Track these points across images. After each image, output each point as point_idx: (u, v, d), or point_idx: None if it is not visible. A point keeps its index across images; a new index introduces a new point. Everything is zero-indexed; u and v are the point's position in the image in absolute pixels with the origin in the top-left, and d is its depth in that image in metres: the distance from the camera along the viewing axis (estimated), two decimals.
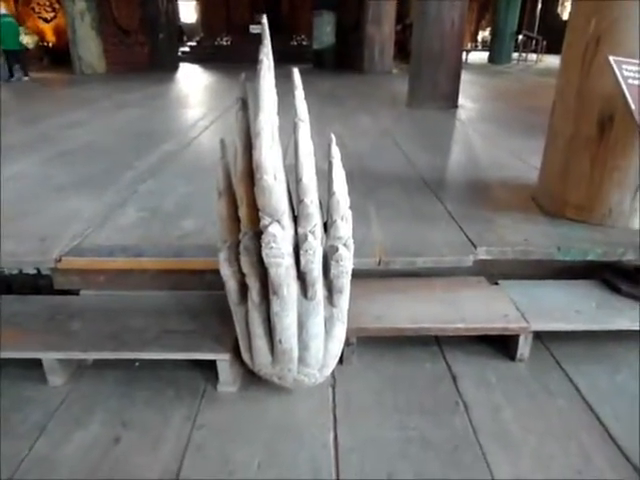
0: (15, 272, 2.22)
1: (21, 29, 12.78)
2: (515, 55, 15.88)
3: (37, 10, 14.19)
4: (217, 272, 1.53)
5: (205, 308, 1.94)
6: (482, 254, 2.12)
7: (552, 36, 16.22)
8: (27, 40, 13.10)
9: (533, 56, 15.90)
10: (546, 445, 1.50)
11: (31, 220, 2.46)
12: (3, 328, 1.83)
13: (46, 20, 14.33)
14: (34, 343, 1.76)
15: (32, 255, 2.08)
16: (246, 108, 1.36)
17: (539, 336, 1.93)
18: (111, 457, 1.46)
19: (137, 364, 1.83)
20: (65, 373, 1.78)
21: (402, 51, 13.54)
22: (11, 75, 9.88)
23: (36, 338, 1.78)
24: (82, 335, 1.79)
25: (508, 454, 1.47)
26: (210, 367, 1.73)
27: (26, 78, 10.06)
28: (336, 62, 12.99)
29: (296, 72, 1.30)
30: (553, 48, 16.05)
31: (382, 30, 11.30)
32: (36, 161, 3.67)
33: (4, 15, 9.84)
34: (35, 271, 2.19)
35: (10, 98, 7.99)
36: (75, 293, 2.12)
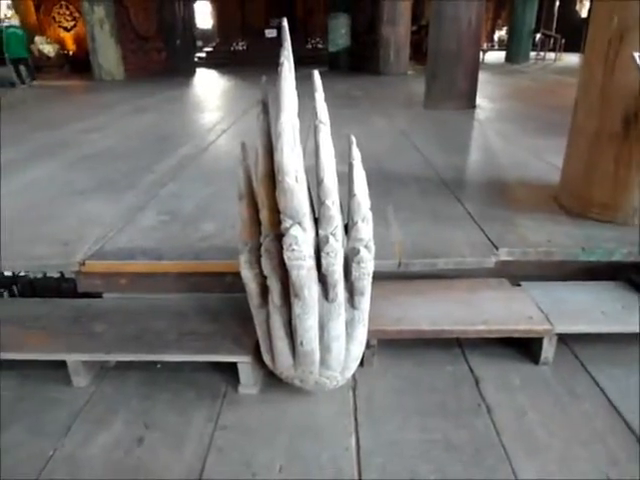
0: (39, 276, 2.27)
1: (42, 38, 13.10)
2: (533, 54, 15.68)
3: (58, 19, 14.46)
4: (237, 274, 1.53)
5: (225, 310, 1.95)
6: (504, 255, 2.09)
7: (570, 34, 16.01)
8: (48, 49, 13.39)
9: (551, 54, 15.68)
10: (572, 448, 1.48)
11: (54, 224, 2.50)
12: (29, 331, 1.86)
13: (66, 29, 14.59)
14: (59, 345, 1.79)
15: (56, 259, 2.11)
16: (267, 111, 1.36)
17: (563, 338, 1.90)
18: (134, 457, 1.48)
19: (159, 366, 1.85)
20: (89, 374, 1.80)
21: (417, 52, 13.47)
22: (22, 82, 10.17)
23: (61, 340, 1.81)
24: (105, 337, 1.81)
25: (533, 457, 1.45)
26: (230, 369, 1.74)
27: (34, 82, 10.34)
28: (351, 64, 12.97)
29: (316, 75, 1.30)
30: (572, 46, 15.84)
31: (397, 31, 11.25)
32: (58, 166, 3.74)
33: (11, 26, 10.21)
34: (59, 274, 2.23)
35: (31, 104, 8.15)
36: (98, 296, 2.15)
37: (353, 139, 1.35)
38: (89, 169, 3.63)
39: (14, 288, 2.30)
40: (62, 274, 2.22)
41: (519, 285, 2.09)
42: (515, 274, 2.14)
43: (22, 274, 2.27)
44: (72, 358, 1.75)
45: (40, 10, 14.34)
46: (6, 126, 5.60)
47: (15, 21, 10.35)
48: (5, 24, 10.30)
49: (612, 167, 2.25)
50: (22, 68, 10.27)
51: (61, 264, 2.12)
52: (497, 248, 2.11)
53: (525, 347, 1.90)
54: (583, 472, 1.39)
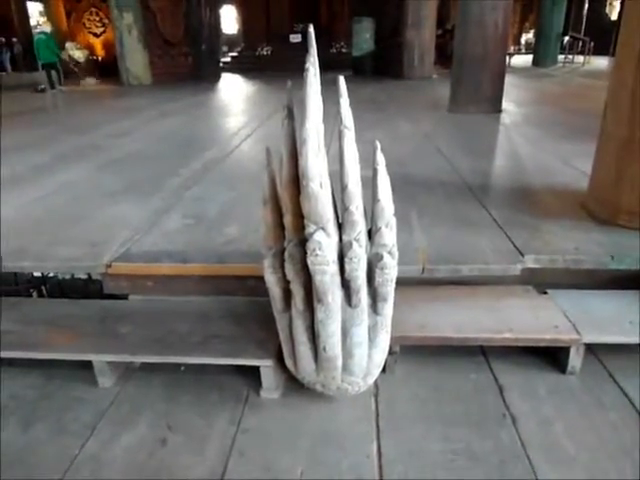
0: (67, 277, 2.32)
1: (73, 44, 13.43)
2: (561, 57, 15.44)
3: (87, 25, 14.83)
4: (260, 278, 1.54)
5: (248, 314, 1.96)
6: (530, 262, 2.06)
7: (600, 37, 15.72)
8: (78, 54, 13.71)
9: (580, 58, 15.41)
10: (599, 461, 1.44)
11: (82, 226, 2.55)
12: (56, 330, 1.90)
13: (96, 35, 14.95)
14: (85, 345, 1.82)
15: (84, 260, 2.16)
16: (292, 116, 1.37)
17: (591, 348, 1.85)
18: (157, 458, 1.50)
19: (183, 368, 1.87)
20: (114, 375, 1.83)
21: (442, 56, 13.39)
22: (52, 86, 10.45)
23: (87, 340, 1.85)
24: (131, 338, 1.84)
25: (559, 469, 1.41)
26: (253, 373, 1.75)
27: (62, 88, 10.61)
28: (376, 68, 12.96)
29: (341, 80, 1.30)
30: (601, 49, 15.54)
31: (422, 35, 11.19)
32: (86, 169, 3.82)
33: (42, 32, 10.52)
34: (86, 276, 2.28)
35: (62, 108, 8.37)
36: (124, 297, 2.19)
37: (378, 144, 1.35)
38: (117, 172, 3.71)
39: (43, 289, 2.35)
40: (89, 275, 2.27)
41: (545, 293, 2.05)
42: (542, 282, 2.10)
43: (51, 275, 2.32)
44: (98, 358, 1.78)
45: (71, 17, 14.74)
46: (39, 129, 5.76)
47: (47, 28, 10.71)
48: (37, 30, 10.67)
49: None
50: (53, 73, 10.57)
51: (88, 266, 2.16)
52: (523, 255, 2.07)
53: (551, 356, 1.86)
54: None
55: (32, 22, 17.24)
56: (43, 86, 10.55)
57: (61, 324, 1.96)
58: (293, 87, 1.38)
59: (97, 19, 14.82)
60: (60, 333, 1.91)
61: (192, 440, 1.56)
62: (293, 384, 1.74)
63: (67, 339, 1.87)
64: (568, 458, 1.45)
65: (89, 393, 1.79)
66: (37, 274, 2.32)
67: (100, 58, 14.89)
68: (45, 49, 10.47)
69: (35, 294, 2.36)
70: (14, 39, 16.09)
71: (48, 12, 15.22)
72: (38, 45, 10.48)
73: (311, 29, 1.26)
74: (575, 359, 1.78)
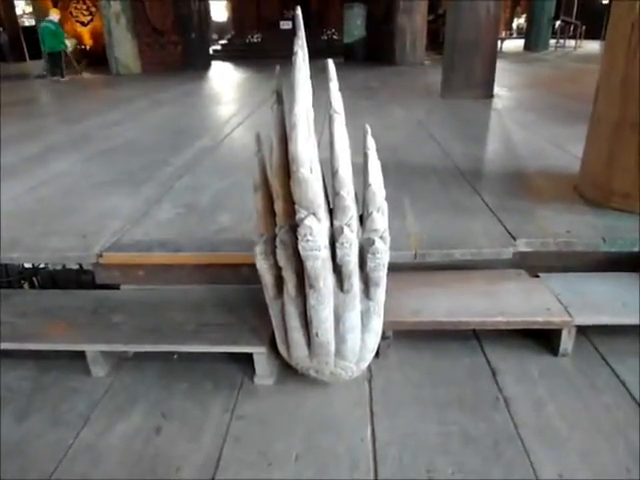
0: (59, 267, 2.30)
1: None
2: (552, 42, 15.38)
3: (75, 14, 14.56)
4: (253, 266, 1.54)
5: (241, 301, 1.96)
6: (522, 246, 2.06)
7: (591, 21, 15.67)
8: (66, 44, 13.50)
9: (572, 42, 15.37)
10: (592, 442, 1.45)
11: (73, 217, 2.53)
12: (48, 321, 1.89)
13: (83, 24, 14.69)
14: (78, 335, 1.82)
15: (75, 251, 2.14)
16: (281, 101, 1.35)
17: (583, 330, 1.86)
18: (153, 446, 1.50)
19: (176, 356, 1.87)
20: (107, 365, 1.83)
21: (434, 42, 13.30)
22: (52, 74, 10.33)
23: (80, 331, 1.84)
24: (124, 328, 1.84)
25: (552, 450, 1.43)
26: (247, 360, 1.75)
27: (58, 77, 10.49)
28: (367, 55, 12.86)
29: (331, 64, 1.29)
30: (592, 33, 15.50)
31: (414, 20, 11.10)
32: (78, 159, 3.78)
33: (47, 21, 10.35)
34: (78, 266, 2.26)
35: (52, 98, 8.27)
36: (116, 288, 2.18)
37: (368, 128, 1.34)
38: (108, 162, 3.68)
39: (34, 280, 2.34)
40: (81, 266, 2.26)
41: (537, 276, 2.06)
42: (534, 265, 2.11)
43: (42, 266, 2.31)
44: (91, 348, 1.78)
45: (57, 6, 14.47)
46: (31, 120, 5.69)
47: (55, 17, 10.55)
48: (46, 19, 10.53)
49: (634, 156, 2.19)
50: (58, 61, 10.44)
51: (80, 256, 2.14)
52: (515, 239, 2.08)
53: (544, 339, 1.88)
54: (603, 465, 1.37)
55: (18, 11, 17.02)
56: (44, 73, 10.46)
57: (54, 315, 1.95)
58: (282, 72, 1.36)
59: (84, 7, 14.53)
60: (53, 324, 1.90)
61: (187, 428, 1.56)
62: (287, 371, 1.74)
63: (60, 330, 1.87)
64: (561, 439, 1.47)
65: (83, 383, 1.79)
66: (28, 265, 2.30)
67: (88, 47, 14.66)
68: (52, 38, 10.30)
69: (27, 285, 2.34)
70: (0, 28, 15.85)
71: (34, 1, 14.95)
72: (44, 34, 10.31)
73: (299, 12, 1.24)
74: (567, 341, 1.80)
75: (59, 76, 10.38)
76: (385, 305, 1.56)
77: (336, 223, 1.33)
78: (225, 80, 10.88)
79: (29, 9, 16.17)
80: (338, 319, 1.47)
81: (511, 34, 21.74)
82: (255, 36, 18.35)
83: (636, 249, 2.05)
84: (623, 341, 1.87)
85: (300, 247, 1.30)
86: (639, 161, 2.18)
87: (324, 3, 18.60)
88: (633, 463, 1.37)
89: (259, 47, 17.22)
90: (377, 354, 1.70)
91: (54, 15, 10.64)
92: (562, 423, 1.52)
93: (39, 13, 13.08)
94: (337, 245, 1.34)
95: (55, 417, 1.63)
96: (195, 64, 12.55)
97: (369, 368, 1.74)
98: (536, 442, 1.45)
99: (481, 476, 1.36)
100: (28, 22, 17.39)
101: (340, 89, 1.29)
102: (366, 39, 13.02)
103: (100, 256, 2.09)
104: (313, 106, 1.25)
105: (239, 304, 1.94)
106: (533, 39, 14.91)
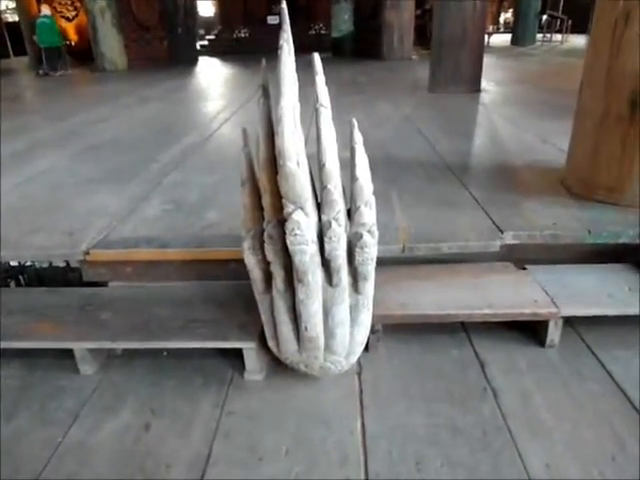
0: (45, 265, 2.27)
1: None
2: (539, 36, 15.46)
3: (59, 10, 14.35)
4: (241, 261, 1.53)
5: (230, 297, 1.95)
6: (509, 239, 2.08)
7: (578, 15, 15.73)
8: None
9: (558, 36, 15.46)
10: (578, 431, 1.47)
11: (60, 214, 2.50)
12: (36, 320, 1.87)
13: (68, 19, 14.49)
14: (66, 333, 1.80)
15: (61, 248, 2.12)
16: (267, 95, 1.35)
17: (569, 321, 1.89)
18: (142, 443, 1.49)
19: (165, 353, 1.86)
20: (96, 362, 1.82)
21: (422, 37, 13.30)
22: (51, 69, 10.30)
23: (67, 329, 1.83)
24: (112, 325, 1.82)
25: (539, 440, 1.45)
26: (237, 355, 1.75)
27: (52, 72, 10.41)
28: (355, 50, 12.84)
29: (317, 57, 1.28)
30: (579, 28, 15.58)
31: (401, 16, 11.10)
32: (64, 156, 3.74)
33: (43, 16, 10.27)
34: (65, 264, 2.24)
35: (37, 94, 8.16)
36: (104, 285, 2.16)
37: (355, 122, 1.34)
38: (94, 159, 3.64)
39: (21, 278, 2.31)
40: (68, 264, 2.23)
41: (524, 269, 2.08)
42: (521, 258, 2.13)
43: (28, 264, 2.28)
44: (79, 346, 1.76)
45: (41, 1, 14.25)
46: (16, 116, 5.61)
47: (48, 11, 10.48)
48: (41, 14, 10.44)
49: (618, 150, 2.22)
50: (55, 56, 10.36)
51: (66, 253, 2.12)
52: (502, 232, 2.10)
53: (531, 330, 1.90)
54: (589, 453, 1.39)
55: (1, 7, 16.74)
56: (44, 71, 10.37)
57: (41, 313, 1.93)
58: (268, 66, 1.36)
59: (69, 3, 14.34)
60: (40, 322, 1.88)
61: (177, 424, 1.56)
62: (277, 366, 1.74)
63: (47, 328, 1.85)
64: (548, 428, 1.49)
65: (72, 381, 1.77)
66: (14, 263, 2.28)
67: (73, 43, 14.47)
68: (49, 33, 10.21)
69: (13, 284, 2.31)
70: None
71: None
72: (41, 29, 10.21)
73: (284, 4, 1.23)
74: (554, 332, 1.82)
75: (64, 70, 10.32)
76: (374, 299, 1.56)
77: (324, 217, 1.33)
78: (212, 76, 10.81)
79: (12, 4, 15.91)
80: (327, 313, 1.48)
81: (498, 28, 21.84)
82: (242, 31, 18.22)
83: (620, 241, 2.08)
84: (609, 332, 1.89)
85: (288, 241, 1.30)
86: (622, 155, 2.21)
87: None
88: (619, 451, 1.40)
89: (246, 42, 17.11)
90: (366, 348, 1.71)
91: (46, 10, 10.54)
92: (549, 413, 1.54)
93: (23, 9, 12.91)
94: (325, 239, 1.34)
95: (43, 415, 1.62)
96: (182, 60, 12.46)
97: (358, 362, 1.75)
98: (524, 432, 1.47)
99: (470, 467, 1.37)
100: (12, 18, 17.11)
101: (327, 84, 1.29)
102: (354, 34, 13.01)
103: (87, 253, 2.08)
104: (300, 101, 1.25)
105: (228, 300, 1.94)
106: (520, 33, 14.97)
